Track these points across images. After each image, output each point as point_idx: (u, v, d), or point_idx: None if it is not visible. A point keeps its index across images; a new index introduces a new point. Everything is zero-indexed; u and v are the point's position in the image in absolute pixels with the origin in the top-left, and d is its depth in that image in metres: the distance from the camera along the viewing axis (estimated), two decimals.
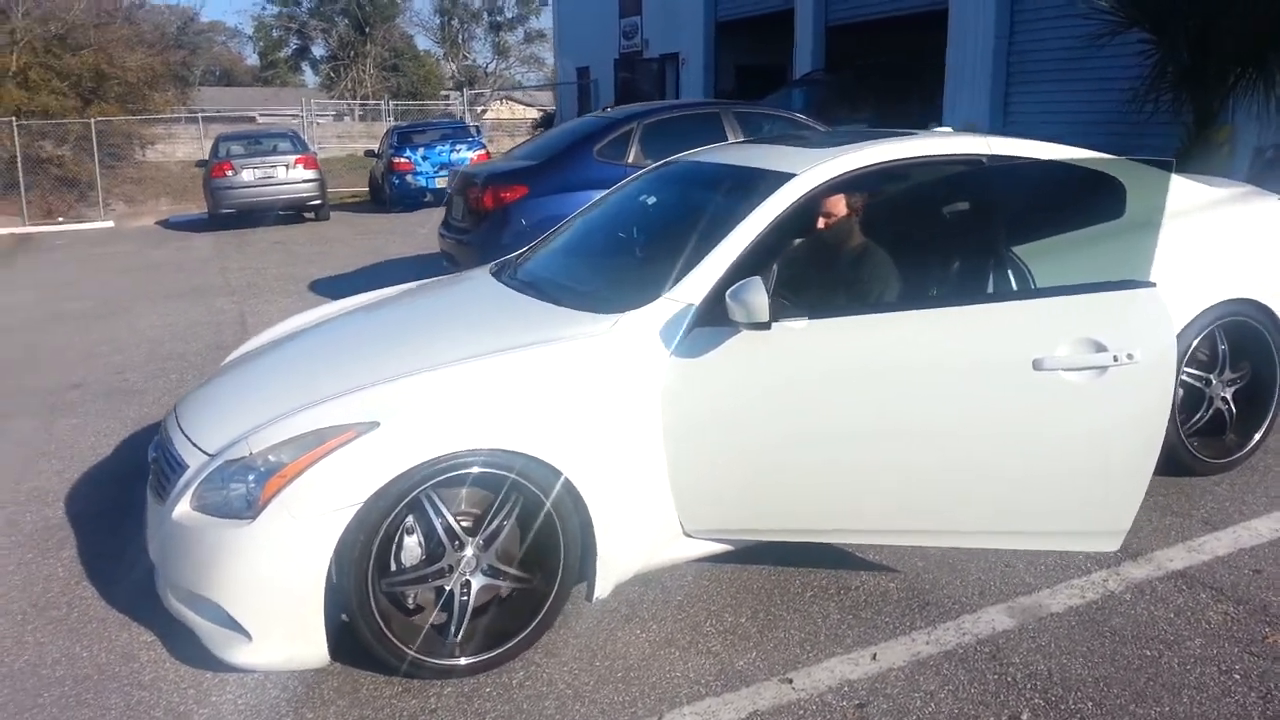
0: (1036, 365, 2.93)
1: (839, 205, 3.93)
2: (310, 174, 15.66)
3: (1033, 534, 3.11)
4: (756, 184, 3.62)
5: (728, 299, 3.07)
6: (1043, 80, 11.42)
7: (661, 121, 7.80)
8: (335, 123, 38.16)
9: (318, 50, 50.26)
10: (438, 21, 49.43)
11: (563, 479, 3.03)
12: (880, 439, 3.08)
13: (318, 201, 15.81)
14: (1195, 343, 4.04)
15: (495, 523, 3.05)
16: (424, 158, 16.95)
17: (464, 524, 3.05)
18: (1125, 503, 3.00)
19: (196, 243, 14.80)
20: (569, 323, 3.33)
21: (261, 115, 41.22)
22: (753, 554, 3.56)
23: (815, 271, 3.78)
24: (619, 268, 3.88)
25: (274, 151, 15.91)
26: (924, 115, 13.16)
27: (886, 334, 3.10)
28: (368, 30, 46.53)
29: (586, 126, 8.03)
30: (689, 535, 3.34)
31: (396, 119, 33.61)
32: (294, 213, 16.26)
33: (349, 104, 41.13)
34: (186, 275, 11.59)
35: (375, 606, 2.91)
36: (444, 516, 2.99)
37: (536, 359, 3.14)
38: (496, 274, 4.13)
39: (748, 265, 3.33)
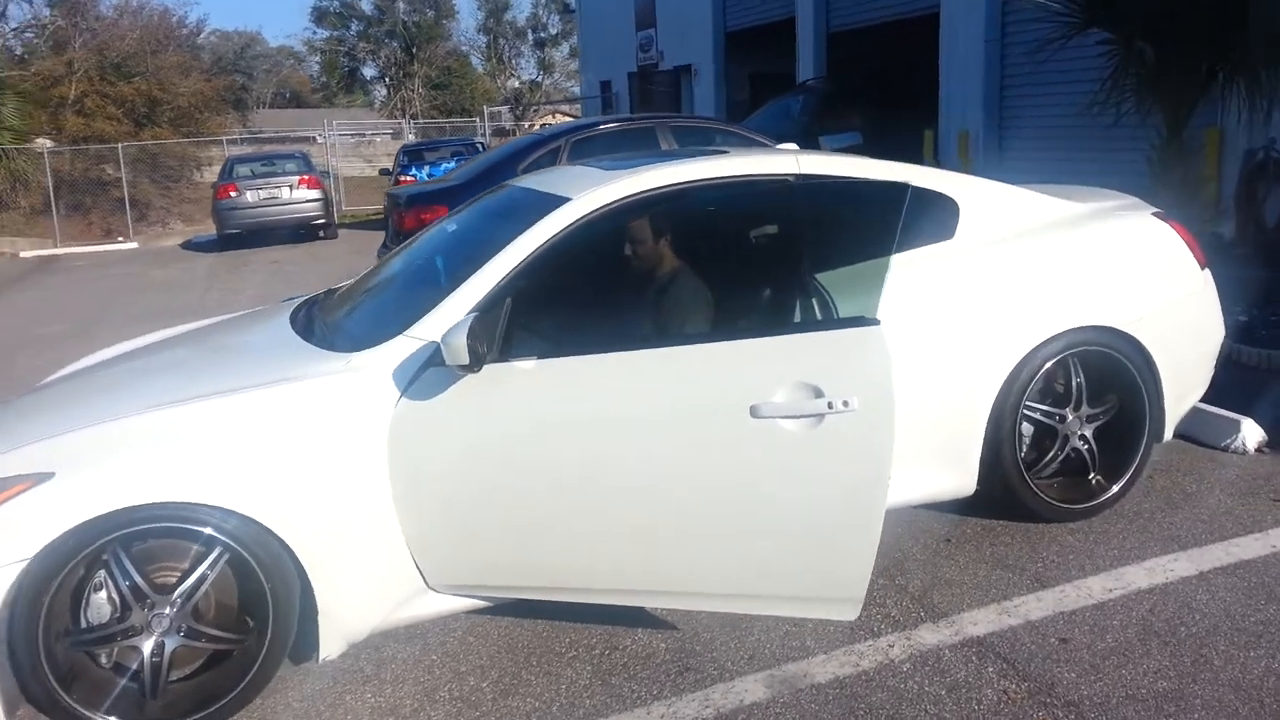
0: (754, 412, 2.63)
1: (645, 231, 3.66)
2: (314, 194, 15.75)
3: (767, 598, 2.80)
4: (531, 210, 3.36)
5: (439, 339, 2.83)
6: (1034, 82, 10.89)
7: (591, 138, 7.55)
8: (362, 142, 38.80)
9: (368, 71, 51.11)
10: (483, 41, 49.89)
11: (269, 533, 2.82)
12: (603, 493, 2.80)
13: (322, 220, 15.90)
14: (1039, 375, 3.65)
15: (192, 580, 2.84)
16: (429, 175, 16.95)
17: (161, 580, 2.85)
18: (855, 567, 2.67)
19: (200, 263, 14.98)
20: (304, 363, 3.11)
21: (311, 136, 42.01)
22: (531, 607, 3.29)
23: (621, 302, 3.50)
24: (388, 302, 3.64)
25: (279, 173, 16.04)
26: (918, 120, 12.74)
27: (608, 376, 2.82)
28: (415, 50, 47.16)
29: (516, 144, 7.83)
30: (434, 590, 3.09)
31: (419, 136, 33.93)
32: (305, 231, 16.39)
33: (374, 123, 41.69)
34: (170, 297, 11.68)
35: (47, 667, 2.72)
36: (130, 574, 2.79)
37: (246, 403, 2.92)
38: (293, 310, 3.94)
39: (514, 296, 3.07)
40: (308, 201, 15.67)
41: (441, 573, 3.04)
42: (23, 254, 18.23)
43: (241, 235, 15.77)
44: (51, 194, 21.09)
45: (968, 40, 11.93)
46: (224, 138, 31.36)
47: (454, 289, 3.08)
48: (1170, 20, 7.20)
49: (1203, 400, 4.38)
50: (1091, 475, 3.83)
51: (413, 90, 47.43)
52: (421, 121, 40.36)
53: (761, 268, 3.66)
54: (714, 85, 18.65)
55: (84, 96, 33.25)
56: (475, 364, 2.76)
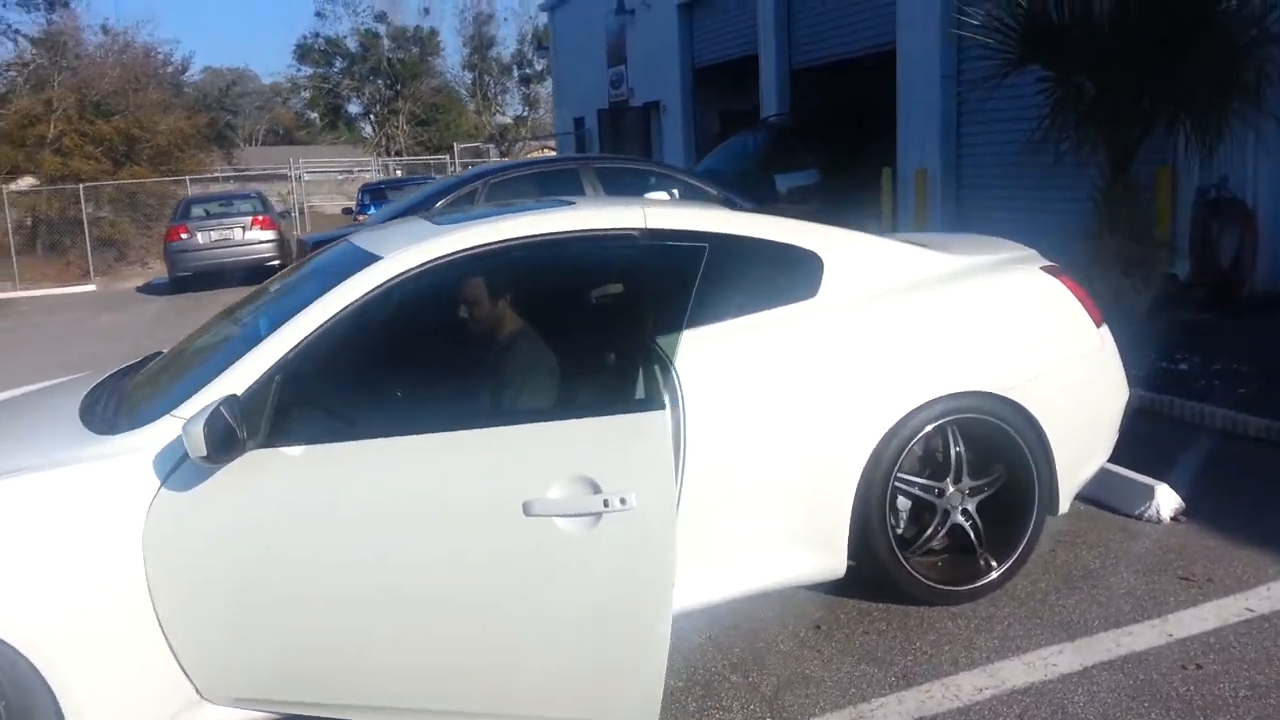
0: (528, 509, 2.29)
1: (480, 290, 3.34)
2: (268, 234, 15.48)
3: None
4: (338, 271, 3.04)
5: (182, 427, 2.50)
6: (988, 119, 10.65)
7: (510, 180, 7.28)
8: (347, 179, 38.73)
9: (354, 108, 51.12)
10: (468, 77, 49.96)
11: (4, 645, 2.47)
12: (367, 599, 2.45)
13: (276, 261, 15.60)
14: (913, 445, 3.32)
15: None
16: None
17: None
18: (643, 688, 2.32)
19: (151, 307, 14.67)
20: (60, 446, 2.78)
21: (295, 174, 41.89)
22: None
23: (445, 374, 3.17)
24: (176, 375, 3.29)
25: (233, 213, 15.78)
26: (879, 158, 12.49)
27: (379, 466, 2.48)
28: (399, 88, 47.22)
29: (435, 186, 7.56)
30: (210, 702, 2.74)
31: (390, 173, 33.77)
32: (260, 272, 16.07)
33: (348, 160, 41.60)
34: (100, 344, 11.32)
35: None
36: None
37: None
38: (103, 379, 3.61)
39: (305, 368, 2.74)
40: (261, 243, 15.39)
41: (214, 684, 2.69)
42: None
43: (192, 278, 15.46)
44: (10, 234, 20.85)
45: (924, 77, 11.71)
46: (192, 177, 31.19)
47: (231, 363, 2.76)
48: (1108, 57, 6.96)
49: (1118, 461, 4.07)
50: (979, 553, 3.49)
51: (396, 127, 47.41)
52: (391, 159, 40.22)
53: (602, 333, 3.34)
54: (682, 121, 18.49)
55: (62, 135, 33.13)
56: (216, 455, 2.42)
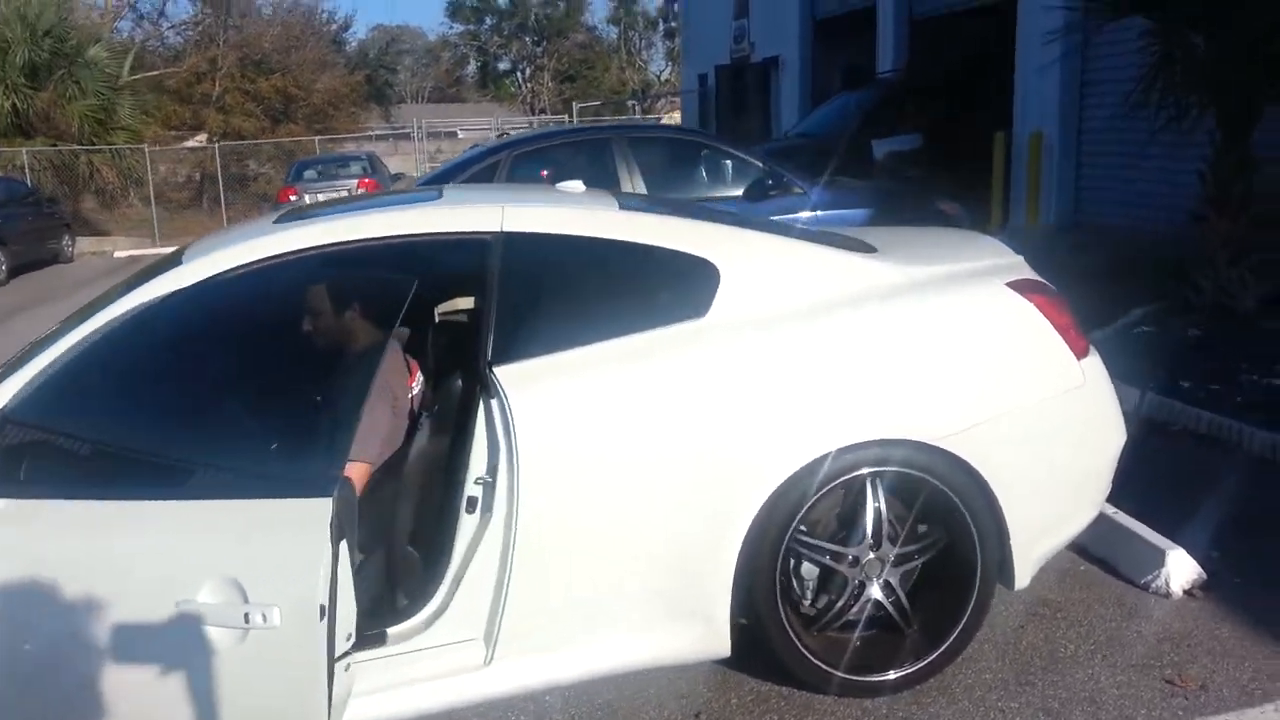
0: (181, 611, 1.87)
1: (322, 299, 2.95)
2: None
3: None
4: (141, 278, 2.71)
5: None
6: (1112, 79, 9.42)
7: (534, 152, 6.82)
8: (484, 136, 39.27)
9: (501, 65, 51.61)
10: (614, 33, 49.53)
11: None
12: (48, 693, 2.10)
13: None
14: (816, 500, 2.73)
15: None
16: None
17: None
18: None
19: None
20: None
21: (452, 131, 42.83)
22: None
23: (221, 411, 2.77)
24: None
25: (341, 176, 15.98)
26: (994, 120, 11.33)
27: (72, 531, 2.12)
28: (544, 44, 47.31)
29: (461, 159, 7.18)
30: None
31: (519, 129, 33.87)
32: None
33: (469, 120, 41.83)
34: None
35: None
36: None
37: None
38: None
39: (50, 396, 2.41)
40: None
41: None
42: (116, 253, 18.86)
43: None
44: (151, 192, 21.86)
45: (1044, 30, 10.49)
46: (343, 135, 32.17)
47: None
48: (1224, 5, 5.89)
49: (1144, 508, 3.35)
50: (906, 635, 2.88)
51: (541, 84, 47.59)
52: (502, 120, 40.26)
53: (440, 357, 2.89)
54: (799, 77, 17.48)
55: (225, 93, 34.89)
56: None
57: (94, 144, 21.84)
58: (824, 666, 2.79)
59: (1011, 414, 2.82)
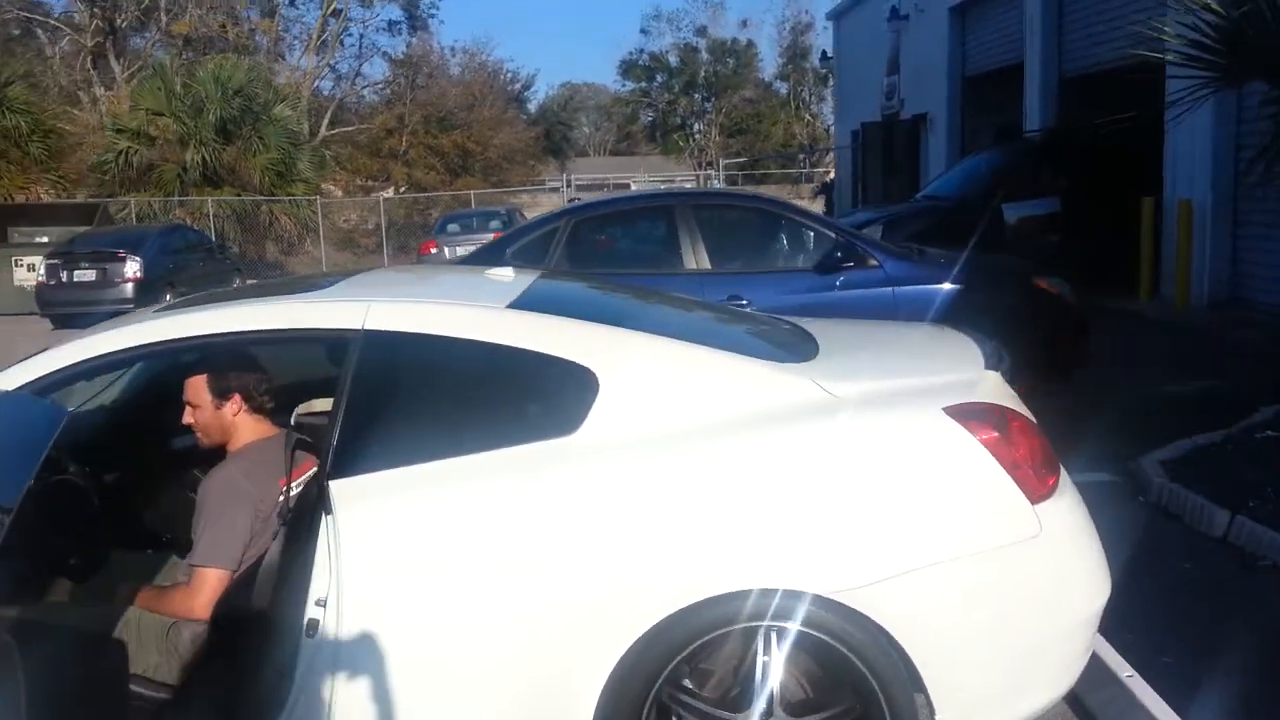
0: None
1: (199, 392, 2.82)
2: None
3: None
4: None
5: None
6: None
7: (596, 219, 6.64)
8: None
9: (671, 121, 52.46)
10: (783, 88, 49.49)
11: None
12: None
13: None
14: (689, 652, 2.34)
15: None
16: None
17: None
18: None
19: None
20: None
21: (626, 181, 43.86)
22: None
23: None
24: None
25: (479, 230, 16.39)
26: (1139, 187, 10.38)
27: None
28: (712, 99, 47.77)
29: (523, 226, 7.09)
30: None
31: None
32: None
33: (623, 176, 42.06)
34: None
35: None
36: None
37: None
38: None
39: None
40: None
41: None
42: None
43: None
44: (321, 239, 23.19)
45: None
46: (544, 185, 33.49)
47: None
48: None
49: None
50: None
51: (709, 138, 48.01)
52: (702, 171, 40.57)
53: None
54: (947, 135, 16.79)
55: (409, 148, 37.18)
56: None
57: (274, 194, 23.47)
58: None
59: (938, 568, 2.35)
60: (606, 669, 2.32)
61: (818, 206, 23.78)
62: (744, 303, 6.01)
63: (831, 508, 2.37)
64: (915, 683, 2.34)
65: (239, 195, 23.01)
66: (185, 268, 16.58)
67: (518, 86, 47.04)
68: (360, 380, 2.48)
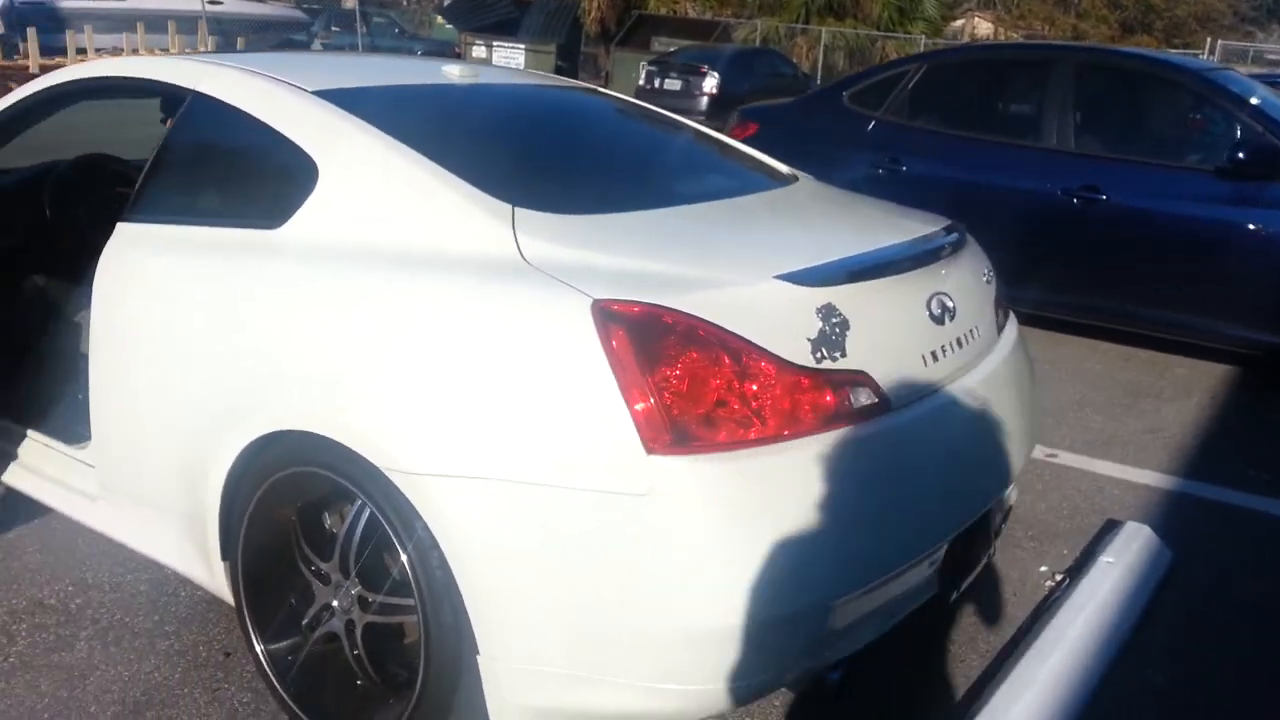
0: None
1: None
2: None
3: None
4: None
5: None
6: None
7: (955, 65, 5.57)
8: None
9: None
10: None
11: None
12: None
13: None
14: (283, 475, 2.16)
15: None
16: None
17: None
18: None
19: None
20: None
21: None
22: None
23: None
24: None
25: None
26: None
27: None
28: None
29: (887, 63, 6.16)
30: None
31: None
32: None
33: None
34: None
35: None
36: None
37: None
38: None
39: None
40: None
41: None
42: None
43: None
44: None
45: None
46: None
47: None
48: None
49: None
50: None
51: None
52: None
53: None
54: None
55: None
56: None
57: (890, 30, 23.06)
58: (271, 678, 2.27)
59: (508, 485, 1.82)
60: (224, 473, 2.24)
61: None
62: (1103, 197, 4.80)
63: (425, 379, 1.92)
64: (455, 607, 1.90)
65: (855, 29, 22.99)
66: (760, 92, 17.32)
67: None
68: (173, 137, 2.59)
